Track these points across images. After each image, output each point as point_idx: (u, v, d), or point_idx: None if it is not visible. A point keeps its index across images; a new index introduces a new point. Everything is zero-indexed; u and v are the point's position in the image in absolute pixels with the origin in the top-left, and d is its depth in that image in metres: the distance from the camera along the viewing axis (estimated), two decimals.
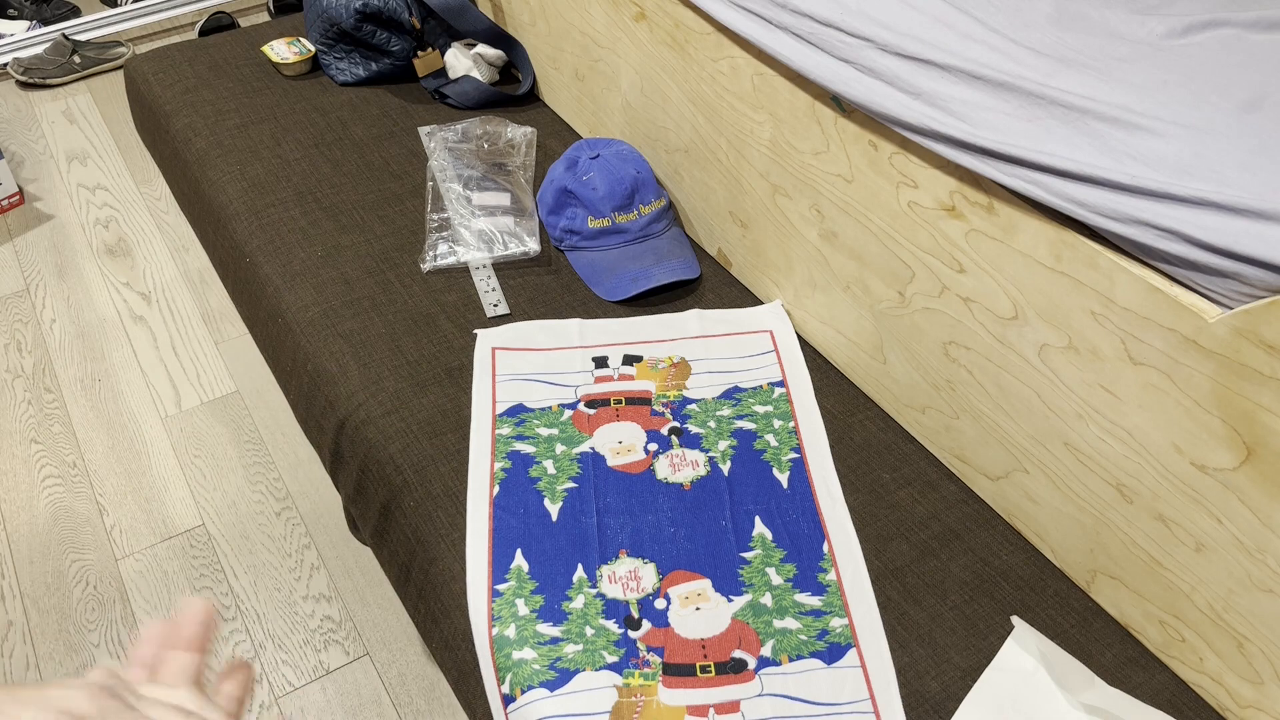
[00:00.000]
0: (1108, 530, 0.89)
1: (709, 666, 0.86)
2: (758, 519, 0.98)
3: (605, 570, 0.93)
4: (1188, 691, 0.87)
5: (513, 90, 1.60)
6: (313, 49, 1.64)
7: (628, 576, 0.93)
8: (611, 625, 0.89)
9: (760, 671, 0.86)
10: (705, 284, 1.27)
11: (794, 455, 1.05)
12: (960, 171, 0.88)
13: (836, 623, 0.90)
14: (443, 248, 1.27)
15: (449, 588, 0.93)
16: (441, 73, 1.63)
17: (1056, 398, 0.88)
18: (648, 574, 0.93)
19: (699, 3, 1.10)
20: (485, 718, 0.87)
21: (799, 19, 0.97)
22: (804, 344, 1.18)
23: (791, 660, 0.87)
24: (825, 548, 0.96)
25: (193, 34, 2.74)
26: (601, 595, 0.91)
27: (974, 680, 0.86)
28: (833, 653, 0.88)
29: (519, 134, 1.47)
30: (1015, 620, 0.90)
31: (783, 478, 1.02)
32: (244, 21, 2.81)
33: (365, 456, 1.06)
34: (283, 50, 1.63)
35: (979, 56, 0.84)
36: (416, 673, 1.41)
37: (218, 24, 2.69)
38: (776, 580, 0.93)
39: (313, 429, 1.17)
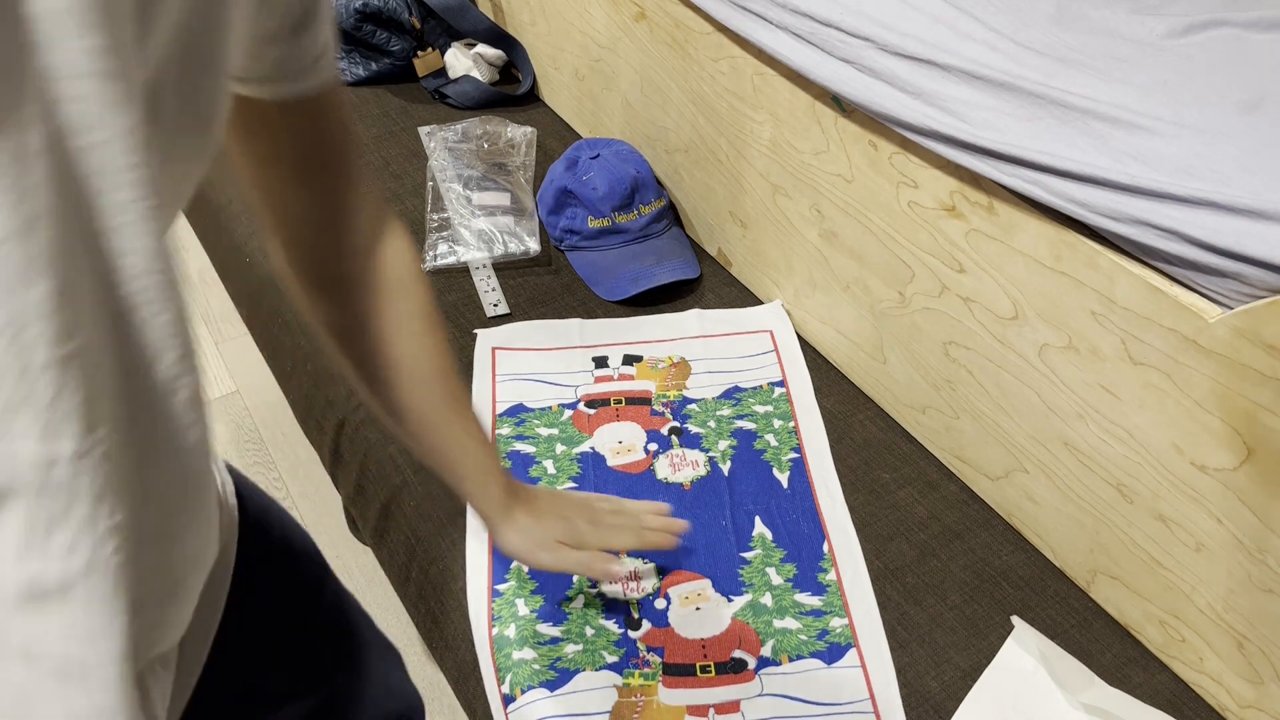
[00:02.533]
0: (1108, 530, 0.88)
1: (709, 666, 0.86)
2: (758, 519, 0.98)
3: None
4: (1188, 691, 0.87)
5: (513, 90, 1.60)
6: None
7: (628, 576, 0.93)
8: (611, 625, 0.89)
9: (760, 671, 0.86)
10: (705, 284, 1.27)
11: (794, 455, 1.05)
12: (960, 171, 0.88)
13: (836, 623, 0.90)
14: (443, 248, 1.26)
15: (449, 588, 0.93)
16: (441, 73, 1.63)
17: (1056, 398, 0.88)
18: (648, 574, 0.93)
19: (699, 3, 1.10)
20: (485, 718, 0.87)
21: (799, 19, 0.97)
22: (804, 344, 1.18)
23: (791, 660, 0.87)
24: (825, 548, 0.96)
25: None
26: (601, 595, 0.91)
27: (974, 680, 0.86)
28: (833, 653, 0.88)
29: (519, 134, 1.47)
30: (1015, 620, 0.90)
31: (783, 478, 1.02)
32: None
33: (365, 456, 1.06)
34: None
35: (979, 56, 0.84)
36: (416, 673, 1.41)
37: None
38: (776, 580, 0.93)
39: (313, 429, 1.17)
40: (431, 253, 1.26)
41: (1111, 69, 0.80)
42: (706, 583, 0.93)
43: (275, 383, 1.27)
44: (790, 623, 0.90)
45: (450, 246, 1.27)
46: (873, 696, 0.85)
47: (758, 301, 1.24)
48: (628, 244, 1.26)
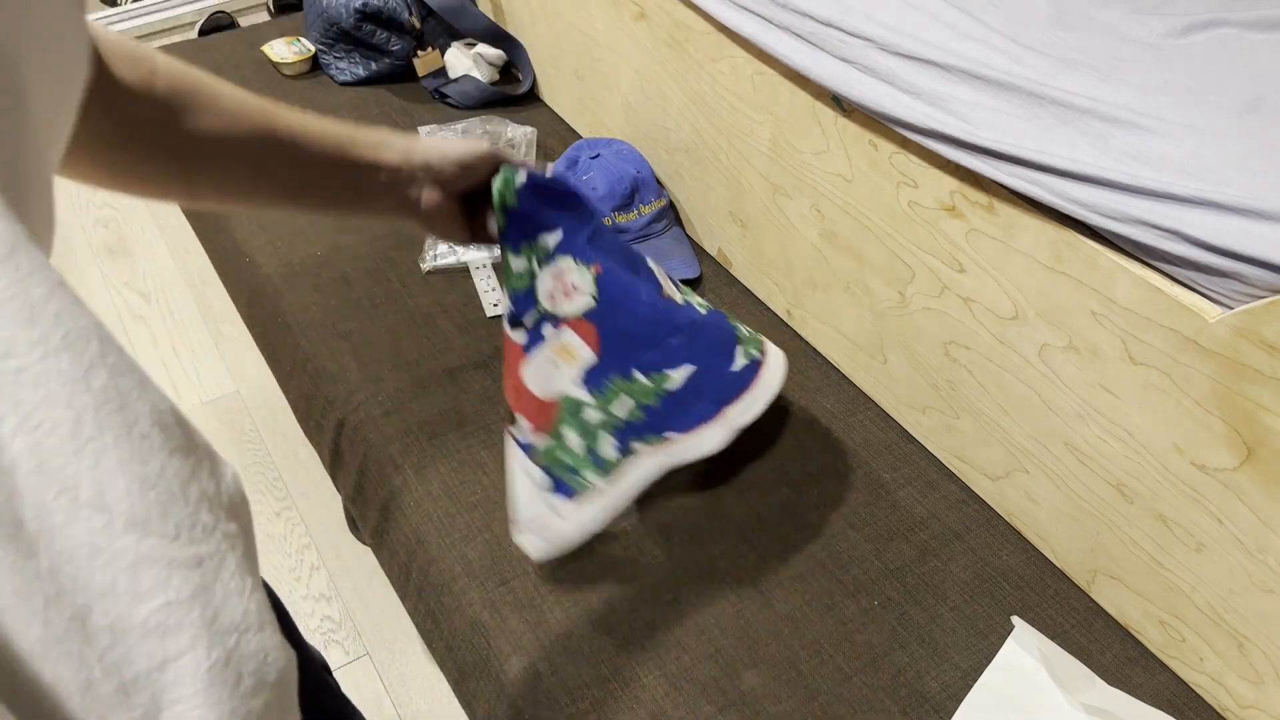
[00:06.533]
0: (1108, 530, 0.89)
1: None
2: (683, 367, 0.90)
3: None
4: (1188, 691, 0.87)
5: (513, 90, 1.60)
6: (312, 49, 1.64)
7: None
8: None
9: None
10: (705, 284, 1.27)
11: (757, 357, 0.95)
12: (960, 171, 0.88)
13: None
14: (443, 247, 1.26)
15: (449, 588, 0.93)
16: (441, 72, 1.63)
17: (1057, 398, 0.88)
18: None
19: (699, 2, 1.10)
20: (486, 718, 0.87)
21: (799, 19, 0.97)
22: (804, 344, 1.18)
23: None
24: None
25: (193, 34, 2.74)
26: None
27: (974, 680, 0.86)
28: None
29: (519, 134, 1.47)
30: (1015, 620, 0.90)
31: (739, 364, 0.93)
32: (244, 21, 2.81)
33: (365, 456, 1.06)
34: (282, 50, 1.63)
35: (979, 56, 0.84)
36: (416, 672, 1.41)
37: (217, 24, 2.69)
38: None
39: (313, 429, 1.17)
40: (431, 253, 1.26)
41: (1112, 69, 0.80)
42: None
43: (275, 383, 1.27)
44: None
45: (450, 246, 1.27)
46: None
47: (758, 301, 1.24)
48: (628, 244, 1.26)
